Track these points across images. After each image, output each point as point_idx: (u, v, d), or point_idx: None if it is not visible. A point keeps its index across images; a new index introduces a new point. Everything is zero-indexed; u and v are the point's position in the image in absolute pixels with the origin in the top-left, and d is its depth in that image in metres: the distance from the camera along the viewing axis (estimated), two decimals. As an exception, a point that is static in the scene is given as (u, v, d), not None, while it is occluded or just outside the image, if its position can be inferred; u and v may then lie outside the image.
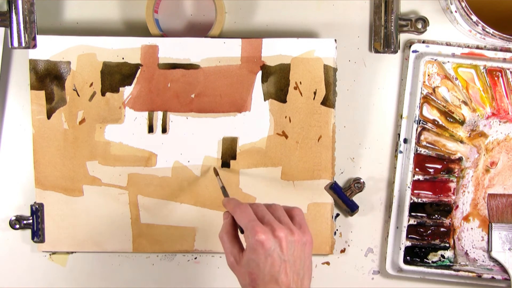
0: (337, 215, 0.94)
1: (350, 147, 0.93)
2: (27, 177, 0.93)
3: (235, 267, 0.74)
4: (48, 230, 0.91)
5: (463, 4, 0.86)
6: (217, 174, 0.89)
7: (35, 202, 0.91)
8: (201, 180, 0.91)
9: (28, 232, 0.93)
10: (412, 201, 0.92)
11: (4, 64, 0.93)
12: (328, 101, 0.90)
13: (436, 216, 0.92)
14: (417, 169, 0.92)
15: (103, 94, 0.90)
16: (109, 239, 0.91)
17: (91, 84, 0.90)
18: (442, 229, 0.92)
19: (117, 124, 0.91)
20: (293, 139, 0.91)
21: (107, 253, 0.94)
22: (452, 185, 0.92)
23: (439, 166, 0.92)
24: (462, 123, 0.92)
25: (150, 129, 0.91)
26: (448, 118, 0.92)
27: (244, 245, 0.74)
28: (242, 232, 0.74)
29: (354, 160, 0.93)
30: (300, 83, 0.90)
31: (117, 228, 0.91)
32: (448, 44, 0.92)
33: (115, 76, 0.90)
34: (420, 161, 0.92)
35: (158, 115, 0.91)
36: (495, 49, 0.92)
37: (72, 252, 0.93)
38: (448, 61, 0.91)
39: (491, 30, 0.85)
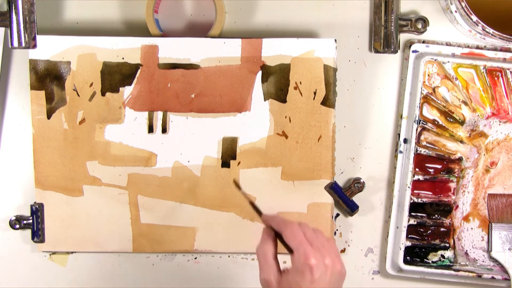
0: (337, 215, 0.94)
1: (350, 147, 0.93)
2: (27, 177, 0.93)
3: (272, 286, 0.73)
4: (48, 230, 0.91)
5: (463, 4, 0.86)
6: (239, 188, 0.81)
7: (35, 202, 0.91)
8: (201, 180, 0.91)
9: (28, 232, 0.93)
10: (412, 201, 0.92)
11: (4, 64, 0.93)
12: (328, 101, 0.90)
13: (436, 216, 0.92)
14: (417, 169, 0.92)
15: (103, 94, 0.90)
16: (109, 239, 0.91)
17: (91, 84, 0.90)
18: (442, 229, 0.92)
19: (117, 124, 0.91)
20: (293, 139, 0.91)
21: (107, 253, 0.94)
22: (452, 185, 0.92)
23: (439, 166, 0.92)
24: (462, 123, 0.92)
25: (150, 129, 0.91)
26: (448, 118, 0.92)
27: (281, 264, 0.74)
28: (291, 252, 0.73)
29: (354, 160, 0.93)
30: (300, 83, 0.90)
31: (117, 228, 0.91)
32: (448, 44, 0.92)
33: (115, 76, 0.90)
34: (420, 161, 0.92)
35: (158, 115, 0.91)
36: (495, 49, 0.92)
37: (72, 252, 0.93)
38: (448, 61, 0.91)
39: (491, 30, 0.85)
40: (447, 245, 0.93)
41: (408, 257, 0.92)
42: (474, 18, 0.85)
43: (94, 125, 0.91)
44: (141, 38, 0.90)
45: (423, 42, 0.92)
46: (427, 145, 0.92)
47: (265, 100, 0.91)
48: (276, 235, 0.75)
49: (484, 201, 0.93)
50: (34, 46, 0.86)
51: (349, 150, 0.93)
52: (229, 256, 0.94)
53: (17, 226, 0.92)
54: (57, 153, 0.91)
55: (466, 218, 0.93)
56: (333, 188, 0.91)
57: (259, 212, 0.78)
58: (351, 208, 0.92)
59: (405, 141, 0.92)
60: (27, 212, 0.93)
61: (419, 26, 0.90)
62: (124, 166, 0.91)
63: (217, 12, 0.90)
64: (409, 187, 0.91)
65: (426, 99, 0.91)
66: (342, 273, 0.73)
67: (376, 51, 0.89)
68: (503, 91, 0.92)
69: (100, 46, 0.90)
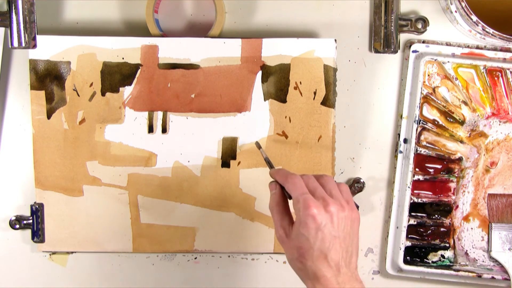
0: (337, 215, 0.94)
1: (350, 147, 0.93)
2: (27, 177, 0.93)
3: (284, 240, 0.72)
4: (48, 230, 0.91)
5: (463, 4, 0.86)
6: (259, 147, 0.86)
7: (35, 202, 0.91)
8: (201, 180, 0.91)
9: (28, 232, 0.93)
10: (412, 201, 0.92)
11: (4, 64, 0.93)
12: (328, 101, 0.90)
13: (436, 216, 0.92)
14: (417, 169, 0.92)
15: (103, 94, 0.90)
16: (109, 239, 0.91)
17: (91, 84, 0.90)
18: (442, 229, 0.92)
19: (117, 124, 0.91)
20: (293, 139, 0.91)
21: (107, 253, 0.94)
22: (452, 185, 0.92)
23: (439, 166, 0.92)
24: (462, 123, 0.92)
25: (150, 129, 0.91)
26: (448, 118, 0.92)
27: (294, 217, 0.72)
28: (290, 198, 0.73)
29: (354, 160, 0.93)
30: (300, 83, 0.90)
31: (117, 228, 0.91)
32: (448, 44, 0.92)
33: (115, 76, 0.90)
34: (420, 161, 0.92)
35: (158, 115, 0.91)
36: (495, 49, 0.92)
37: (72, 252, 0.94)
38: (448, 61, 0.91)
39: (491, 30, 0.85)
40: (447, 245, 0.93)
41: (408, 257, 0.92)
42: (474, 18, 0.85)
43: (94, 125, 0.91)
44: (141, 38, 0.90)
45: (423, 42, 0.92)
46: (427, 145, 0.92)
47: (265, 100, 0.91)
48: (281, 189, 0.75)
49: (484, 201, 0.93)
50: (34, 46, 0.86)
51: (349, 150, 0.93)
52: (229, 256, 0.94)
53: (17, 226, 0.92)
54: (57, 153, 0.91)
55: (466, 218, 0.93)
56: (333, 188, 0.91)
57: (271, 167, 0.80)
58: (351, 208, 0.92)
59: (405, 141, 0.92)
60: (27, 212, 0.93)
61: (419, 26, 0.90)
62: (124, 166, 0.91)
63: (217, 12, 0.90)
64: (409, 187, 0.91)
65: (426, 99, 0.91)
66: (353, 217, 0.71)
67: (376, 51, 0.90)
68: (503, 91, 0.92)
69: (100, 46, 0.90)
